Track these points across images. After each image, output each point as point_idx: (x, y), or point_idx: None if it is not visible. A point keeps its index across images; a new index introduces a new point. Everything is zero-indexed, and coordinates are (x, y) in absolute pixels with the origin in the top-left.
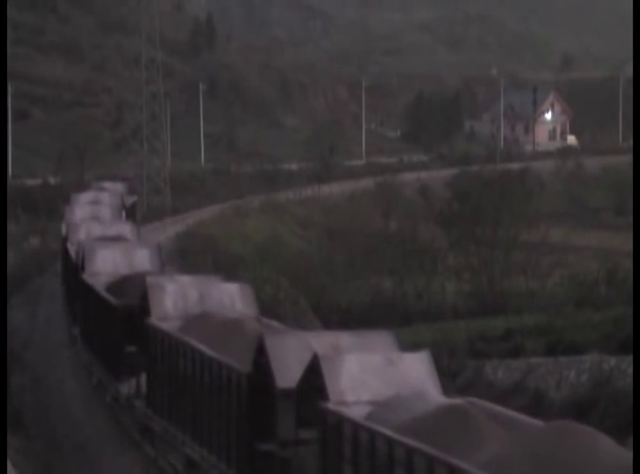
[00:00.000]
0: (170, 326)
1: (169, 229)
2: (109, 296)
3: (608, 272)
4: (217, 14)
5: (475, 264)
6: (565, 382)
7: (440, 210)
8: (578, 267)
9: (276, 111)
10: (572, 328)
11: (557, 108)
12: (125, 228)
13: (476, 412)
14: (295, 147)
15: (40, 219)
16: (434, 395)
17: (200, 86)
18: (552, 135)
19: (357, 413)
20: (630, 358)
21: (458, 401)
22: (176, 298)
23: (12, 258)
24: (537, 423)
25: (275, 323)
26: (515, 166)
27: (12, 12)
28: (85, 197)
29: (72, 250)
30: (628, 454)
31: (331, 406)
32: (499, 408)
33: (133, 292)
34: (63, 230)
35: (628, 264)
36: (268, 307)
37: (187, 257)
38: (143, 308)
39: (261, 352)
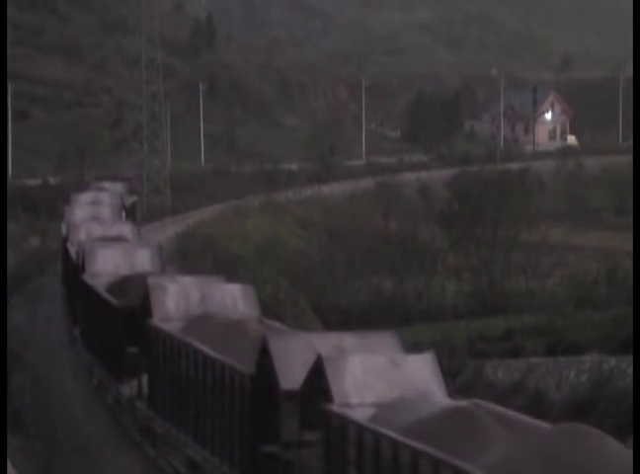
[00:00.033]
0: (172, 327)
1: (169, 229)
2: (109, 297)
3: (608, 272)
4: (217, 14)
5: (475, 264)
6: (565, 382)
7: (440, 210)
8: (578, 267)
9: (276, 111)
10: (572, 328)
11: (557, 108)
12: (126, 228)
13: (482, 414)
14: (295, 147)
15: (40, 219)
16: (438, 397)
17: (200, 86)
18: (552, 135)
19: (361, 415)
20: (630, 358)
21: (464, 403)
22: (178, 299)
23: (12, 258)
24: (544, 425)
25: (277, 324)
26: (515, 166)
27: (12, 12)
28: (85, 197)
29: (72, 250)
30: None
31: (335, 408)
32: (504, 410)
33: (134, 293)
34: (63, 230)
35: (628, 264)
36: (268, 307)
37: (187, 257)
38: (145, 309)
39: (264, 353)
